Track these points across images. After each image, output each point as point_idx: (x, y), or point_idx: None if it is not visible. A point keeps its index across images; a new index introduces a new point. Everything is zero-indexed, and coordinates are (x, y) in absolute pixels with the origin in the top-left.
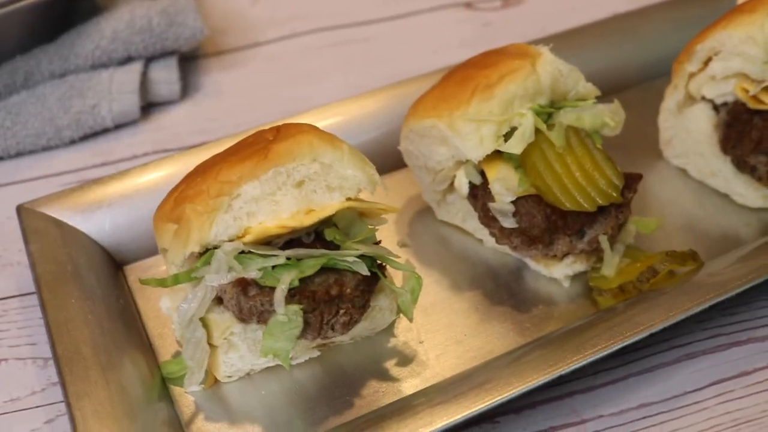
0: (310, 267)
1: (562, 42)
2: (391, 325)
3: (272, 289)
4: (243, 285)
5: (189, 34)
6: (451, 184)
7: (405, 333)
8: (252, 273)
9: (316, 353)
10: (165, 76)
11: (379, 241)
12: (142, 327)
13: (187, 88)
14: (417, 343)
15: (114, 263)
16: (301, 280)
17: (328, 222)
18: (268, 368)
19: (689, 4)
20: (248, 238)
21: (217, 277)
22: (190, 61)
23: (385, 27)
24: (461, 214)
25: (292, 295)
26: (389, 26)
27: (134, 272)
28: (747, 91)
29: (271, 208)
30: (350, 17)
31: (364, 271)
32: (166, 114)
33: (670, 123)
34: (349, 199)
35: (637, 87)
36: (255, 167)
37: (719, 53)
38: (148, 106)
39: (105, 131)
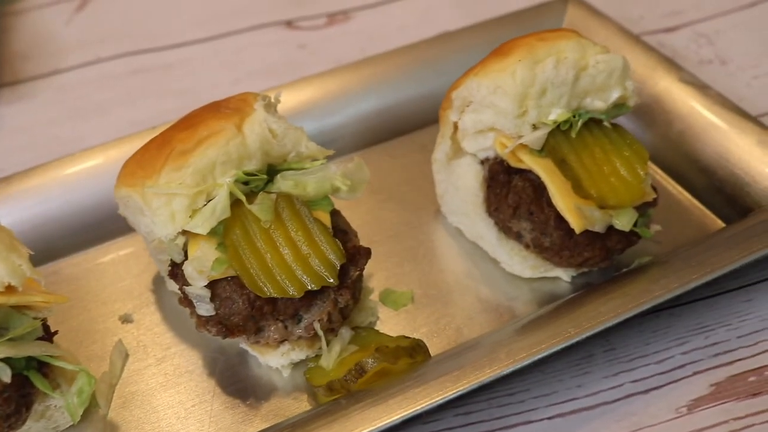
0: None
1: (363, 70)
2: (85, 418)
3: None
4: None
5: None
6: None
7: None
8: None
9: None
10: None
11: (54, 333)
12: None
13: None
14: None
15: None
16: None
17: None
18: None
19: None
20: None
21: None
22: None
23: (194, 51)
24: None
25: None
26: (199, 50)
27: None
28: (505, 147)
29: None
30: (160, 40)
31: (6, 377)
32: None
33: (441, 176)
34: None
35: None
36: None
37: (470, 104)
38: None
39: None
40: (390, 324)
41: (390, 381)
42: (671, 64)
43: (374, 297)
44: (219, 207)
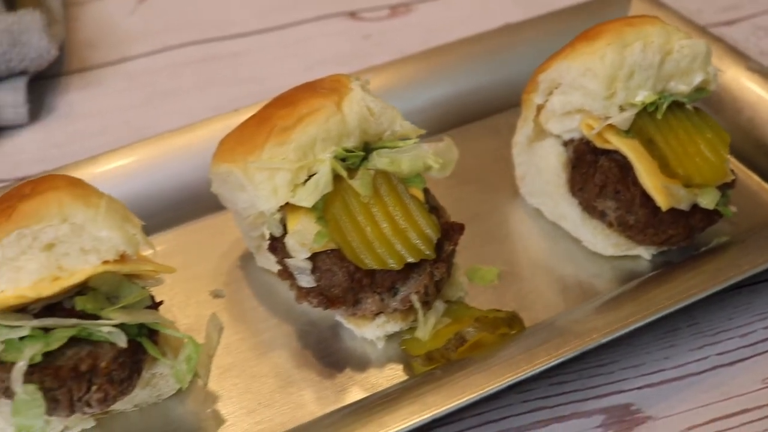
0: (57, 339)
1: (429, 60)
2: (184, 390)
3: (14, 364)
4: None
5: (35, 55)
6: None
7: (195, 400)
8: None
9: (91, 423)
10: (11, 99)
11: (159, 303)
12: None
13: (39, 110)
14: (206, 412)
15: None
16: (48, 354)
17: (87, 287)
18: None
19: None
20: None
21: None
22: (49, 79)
23: (260, 40)
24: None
25: (31, 373)
26: (265, 39)
27: None
28: (592, 128)
29: (12, 276)
30: (226, 29)
31: (122, 342)
32: (10, 140)
33: (522, 158)
34: (107, 262)
35: (512, 110)
36: None
37: (559, 86)
38: None
39: None
40: (478, 300)
41: (487, 352)
42: (738, 53)
43: (461, 274)
44: (322, 181)
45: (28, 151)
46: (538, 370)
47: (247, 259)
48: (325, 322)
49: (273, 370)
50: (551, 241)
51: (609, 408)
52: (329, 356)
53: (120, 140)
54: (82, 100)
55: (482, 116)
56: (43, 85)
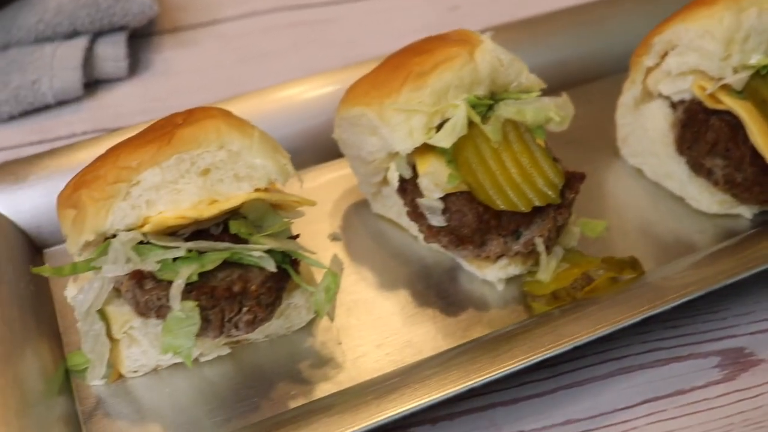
0: (211, 261)
1: (527, 29)
2: (311, 324)
3: (170, 282)
4: (139, 278)
5: (138, 10)
6: (386, 176)
7: (324, 333)
8: (150, 265)
9: (226, 350)
10: (112, 53)
11: (297, 235)
12: (54, 315)
13: (136, 66)
14: (335, 345)
15: (33, 246)
16: (202, 275)
17: (236, 214)
18: (176, 364)
19: None
20: (147, 228)
21: (114, 268)
22: (143, 38)
23: (348, 8)
24: (396, 208)
25: (189, 291)
26: (353, 7)
27: (55, 257)
28: (704, 89)
29: (173, 198)
30: None
31: (271, 267)
32: (110, 92)
33: (626, 119)
34: (258, 190)
35: (603, 79)
36: (156, 153)
37: (676, 47)
38: (94, 83)
39: (46, 108)
40: (590, 251)
41: (611, 292)
42: None
43: (574, 225)
44: (459, 124)
45: (130, 104)
46: (657, 311)
47: (360, 206)
48: (440, 267)
49: (396, 308)
50: (653, 199)
51: (724, 350)
52: (449, 297)
53: (216, 96)
54: (177, 58)
55: (573, 85)
56: (137, 43)
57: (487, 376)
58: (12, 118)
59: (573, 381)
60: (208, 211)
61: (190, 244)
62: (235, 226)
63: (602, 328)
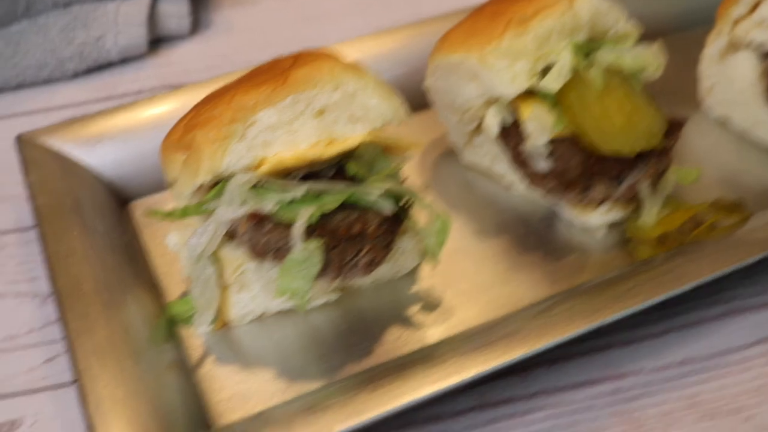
0: (330, 202)
1: None
2: (414, 270)
3: (288, 224)
4: (258, 219)
5: None
6: (479, 124)
7: (429, 278)
8: (267, 207)
9: (333, 296)
10: (175, 10)
11: (404, 179)
12: (148, 265)
13: (197, 24)
14: (441, 290)
15: (118, 199)
16: (321, 217)
17: (350, 155)
18: (281, 312)
19: None
20: (263, 169)
21: (230, 210)
22: None
23: None
24: (489, 156)
25: (310, 232)
26: None
27: (140, 209)
28: None
29: (289, 138)
30: None
31: (389, 209)
32: (174, 49)
33: (711, 71)
34: (371, 132)
35: (673, 35)
36: (272, 93)
37: None
38: (156, 41)
39: (110, 65)
40: (685, 198)
41: (717, 236)
42: None
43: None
44: (565, 68)
45: (194, 61)
46: (764, 255)
47: (446, 157)
48: (535, 215)
49: (498, 254)
50: (739, 150)
51: None
52: (548, 244)
53: (282, 53)
54: (237, 17)
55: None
56: (195, 2)
57: (615, 314)
58: (76, 75)
59: (685, 323)
60: (328, 151)
61: (309, 186)
62: (353, 167)
63: (722, 268)
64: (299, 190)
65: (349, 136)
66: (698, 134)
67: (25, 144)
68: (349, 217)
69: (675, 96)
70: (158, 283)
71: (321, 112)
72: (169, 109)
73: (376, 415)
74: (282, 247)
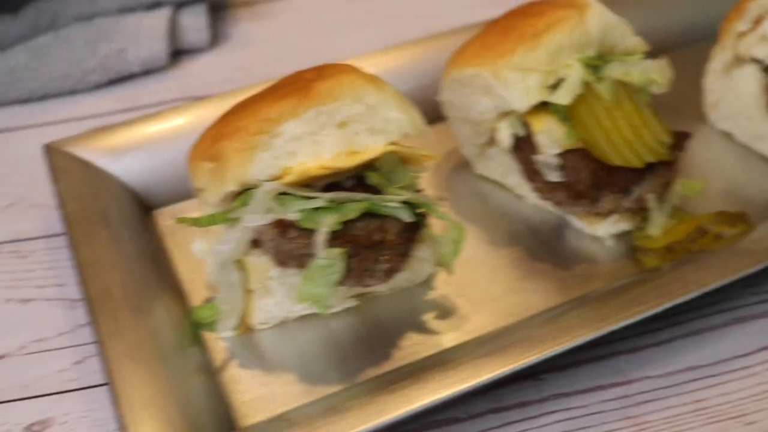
0: (352, 211)
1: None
2: (430, 278)
3: (312, 231)
4: (282, 226)
5: None
6: (492, 137)
7: (444, 286)
8: (292, 214)
9: (353, 303)
10: (194, 23)
11: (422, 189)
12: (171, 271)
13: (216, 37)
14: (456, 297)
15: (143, 207)
16: (343, 225)
17: (370, 166)
18: (303, 317)
19: None
20: (288, 178)
21: (256, 217)
22: (219, 11)
23: None
24: (501, 168)
25: (332, 239)
26: None
27: (163, 217)
28: None
29: (313, 149)
30: None
31: (408, 218)
32: (194, 61)
33: (716, 85)
34: (391, 143)
35: (679, 49)
36: (296, 105)
37: None
38: (176, 53)
39: (131, 77)
40: (691, 209)
41: (722, 246)
42: None
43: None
44: (575, 82)
45: (213, 73)
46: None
47: (460, 169)
48: (546, 225)
49: (511, 263)
50: (743, 162)
51: None
52: (559, 253)
53: (300, 65)
54: (254, 30)
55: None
56: (215, 16)
57: (622, 321)
58: (98, 86)
59: (689, 331)
60: (350, 162)
61: (331, 195)
62: (374, 177)
63: (728, 276)
64: (322, 199)
65: (370, 147)
66: (703, 147)
67: (53, 153)
68: (369, 226)
69: (680, 109)
70: (182, 288)
71: (343, 124)
72: (191, 119)
73: (394, 416)
74: (305, 254)
